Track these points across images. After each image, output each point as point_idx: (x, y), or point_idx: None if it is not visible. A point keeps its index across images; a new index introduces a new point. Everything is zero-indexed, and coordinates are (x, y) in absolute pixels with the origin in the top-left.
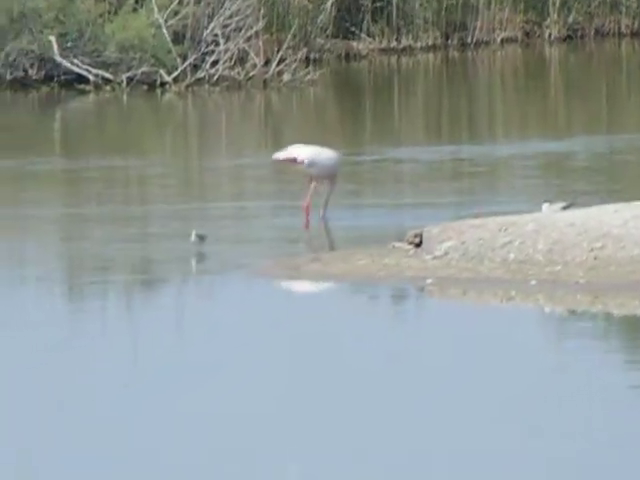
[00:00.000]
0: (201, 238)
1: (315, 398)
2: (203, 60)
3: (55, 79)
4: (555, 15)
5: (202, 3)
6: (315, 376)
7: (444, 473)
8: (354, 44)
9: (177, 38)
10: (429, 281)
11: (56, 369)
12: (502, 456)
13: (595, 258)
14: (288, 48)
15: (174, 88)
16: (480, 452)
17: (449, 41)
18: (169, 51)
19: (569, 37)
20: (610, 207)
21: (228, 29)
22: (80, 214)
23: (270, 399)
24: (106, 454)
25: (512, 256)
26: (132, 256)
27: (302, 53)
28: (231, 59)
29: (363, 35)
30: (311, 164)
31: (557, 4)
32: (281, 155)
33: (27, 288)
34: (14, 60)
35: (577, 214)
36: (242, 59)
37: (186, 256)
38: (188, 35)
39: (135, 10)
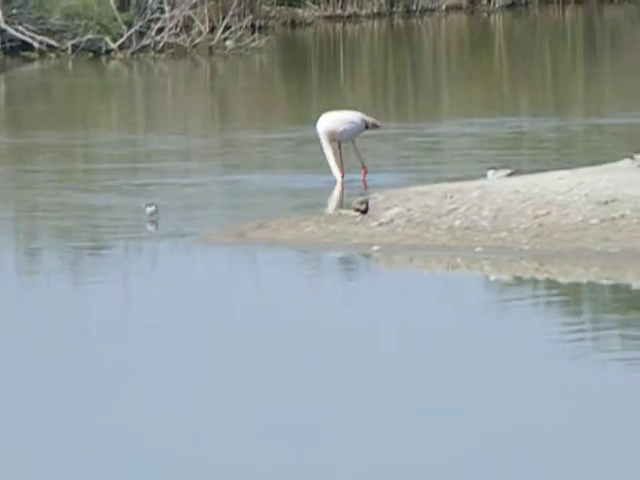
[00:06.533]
0: (153, 210)
1: (258, 365)
2: (148, 27)
3: (0, 46)
4: None
5: None
6: (258, 343)
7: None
8: (299, 11)
9: (122, 5)
10: (375, 248)
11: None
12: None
13: (540, 225)
14: (233, 15)
15: (119, 55)
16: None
17: (394, 8)
18: (114, 18)
19: (513, 4)
20: (554, 174)
21: None
22: (25, 184)
23: (217, 360)
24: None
25: (458, 223)
26: (77, 224)
27: (248, 20)
28: (176, 26)
29: (308, 2)
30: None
31: None
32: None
33: None
34: None
35: (522, 181)
36: (187, 26)
37: (131, 225)
38: (133, 2)
39: None
